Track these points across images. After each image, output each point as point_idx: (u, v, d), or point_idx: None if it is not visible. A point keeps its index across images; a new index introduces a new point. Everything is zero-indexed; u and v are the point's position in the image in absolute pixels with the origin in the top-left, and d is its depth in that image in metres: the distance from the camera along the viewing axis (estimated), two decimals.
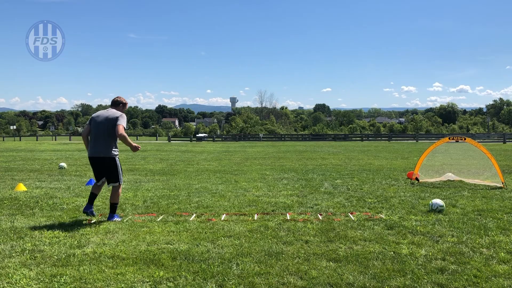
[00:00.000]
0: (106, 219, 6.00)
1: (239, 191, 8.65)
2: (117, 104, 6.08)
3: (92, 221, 5.94)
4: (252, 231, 5.33)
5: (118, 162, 5.92)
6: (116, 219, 5.98)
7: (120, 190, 6.04)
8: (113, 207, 6.04)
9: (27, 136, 76.05)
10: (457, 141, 9.86)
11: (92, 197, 6.05)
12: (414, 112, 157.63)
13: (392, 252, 4.46)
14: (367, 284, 3.61)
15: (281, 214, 6.41)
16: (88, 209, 5.97)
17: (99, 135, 5.80)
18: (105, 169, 5.87)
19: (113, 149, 5.84)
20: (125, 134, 5.73)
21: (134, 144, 5.79)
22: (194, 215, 6.33)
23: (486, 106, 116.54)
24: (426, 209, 6.61)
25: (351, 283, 3.63)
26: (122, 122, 5.75)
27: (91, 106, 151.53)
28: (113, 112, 5.88)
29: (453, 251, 4.47)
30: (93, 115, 6.03)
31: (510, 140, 40.20)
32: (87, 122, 6.03)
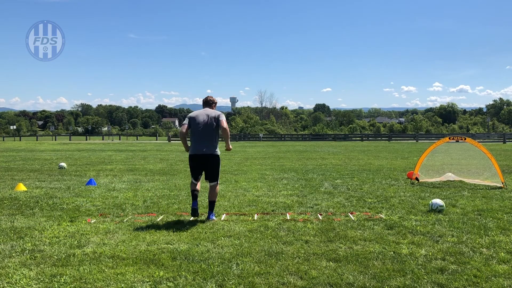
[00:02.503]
0: (206, 218, 6.02)
1: (239, 191, 8.65)
2: (211, 103, 6.20)
3: (92, 221, 5.94)
4: (252, 231, 5.33)
5: (220, 160, 6.03)
6: (213, 218, 5.98)
7: (218, 188, 6.14)
8: (212, 205, 6.09)
9: (27, 136, 76.07)
10: (457, 141, 9.86)
11: (195, 195, 6.02)
12: (414, 112, 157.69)
13: (392, 252, 4.46)
14: (367, 284, 3.61)
15: (281, 214, 6.41)
16: (195, 206, 5.97)
17: (203, 134, 5.87)
18: (208, 167, 5.94)
19: (217, 147, 5.95)
20: (228, 130, 5.92)
21: (231, 145, 6.08)
22: None
23: (486, 106, 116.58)
24: (426, 209, 6.61)
25: (351, 283, 3.63)
26: (225, 119, 5.97)
27: (91, 106, 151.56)
28: (213, 111, 6.01)
29: (453, 251, 4.47)
30: (190, 115, 6.07)
31: (510, 140, 40.22)
32: (185, 121, 6.06)
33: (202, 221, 5.91)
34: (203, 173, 6.07)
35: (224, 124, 5.88)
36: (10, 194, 8.48)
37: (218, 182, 6.13)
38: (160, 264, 4.12)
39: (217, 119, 5.90)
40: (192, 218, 6.06)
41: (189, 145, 6.11)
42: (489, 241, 4.87)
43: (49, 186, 9.63)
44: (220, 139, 6.26)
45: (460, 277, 3.75)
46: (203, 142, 5.88)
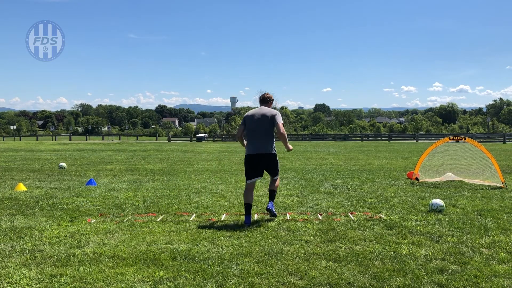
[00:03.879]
0: (266, 208, 6.06)
1: (239, 191, 8.65)
2: (267, 101, 6.13)
3: (92, 221, 5.94)
4: (252, 231, 5.33)
5: (277, 158, 6.05)
6: (272, 208, 5.99)
7: (278, 180, 6.19)
8: (272, 195, 6.09)
9: (27, 136, 76.03)
10: (457, 141, 9.86)
11: (249, 208, 5.89)
12: (414, 112, 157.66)
13: (392, 252, 4.46)
14: (367, 284, 3.61)
15: (281, 214, 6.41)
16: (249, 222, 5.82)
17: (259, 134, 5.83)
18: (266, 166, 5.94)
19: (274, 146, 5.94)
20: (285, 133, 5.86)
21: (290, 145, 6.06)
22: (194, 215, 6.33)
23: (486, 106, 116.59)
24: (426, 209, 6.61)
25: (351, 283, 3.63)
26: (281, 120, 5.90)
27: (91, 106, 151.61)
28: (269, 110, 5.93)
29: (453, 251, 4.47)
30: (247, 115, 6.03)
31: (510, 140, 40.22)
32: (241, 122, 6.02)
33: (202, 221, 5.91)
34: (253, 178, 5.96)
35: (281, 129, 5.76)
36: (10, 194, 8.48)
37: (279, 176, 6.14)
38: (160, 264, 4.12)
39: (273, 119, 5.82)
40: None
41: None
42: (489, 241, 4.87)
43: (49, 186, 9.63)
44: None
45: (460, 277, 3.74)
46: (258, 142, 5.83)
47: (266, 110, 5.93)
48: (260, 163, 5.89)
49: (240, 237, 5.04)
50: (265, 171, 6.06)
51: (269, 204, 6.07)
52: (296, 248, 4.62)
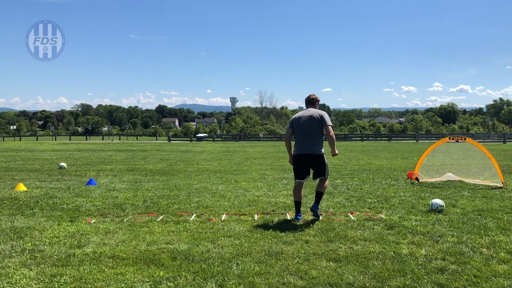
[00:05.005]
0: (310, 208, 6.01)
1: (239, 191, 8.65)
2: (313, 102, 6.13)
3: (92, 221, 5.94)
4: (252, 231, 5.33)
5: (326, 159, 6.00)
6: (316, 210, 5.94)
7: (327, 182, 6.10)
8: (319, 196, 6.03)
9: (27, 136, 76.04)
10: (457, 141, 9.86)
11: (299, 205, 5.98)
12: (414, 112, 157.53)
13: (392, 252, 4.46)
14: (367, 284, 3.61)
15: (281, 214, 6.41)
16: (299, 218, 5.90)
17: (307, 135, 5.82)
18: (314, 166, 5.91)
19: (322, 147, 5.91)
20: (334, 136, 5.86)
21: (337, 150, 6.01)
22: (194, 215, 6.33)
23: (486, 106, 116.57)
24: (426, 209, 6.61)
25: (351, 283, 3.63)
26: (330, 122, 5.89)
27: (91, 106, 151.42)
28: (317, 111, 5.93)
29: (453, 251, 4.47)
30: (294, 117, 6.04)
31: (510, 140, 40.20)
32: (289, 125, 6.03)
33: (202, 222, 5.91)
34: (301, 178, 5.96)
35: (330, 131, 5.79)
36: (10, 194, 8.48)
37: (327, 177, 6.06)
38: (160, 264, 4.12)
39: (321, 120, 5.81)
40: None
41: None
42: (489, 241, 4.87)
43: (49, 186, 9.63)
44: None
45: (460, 277, 3.74)
46: (307, 143, 5.82)
47: (313, 111, 5.93)
48: (308, 163, 5.89)
49: (240, 237, 5.04)
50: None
51: (314, 205, 6.00)
52: (296, 248, 4.62)
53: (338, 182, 10.03)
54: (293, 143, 6.10)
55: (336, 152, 6.00)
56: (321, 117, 5.82)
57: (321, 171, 5.95)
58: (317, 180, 6.11)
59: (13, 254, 4.45)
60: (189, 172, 12.60)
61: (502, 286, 3.58)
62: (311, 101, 6.13)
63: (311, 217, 6.12)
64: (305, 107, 6.20)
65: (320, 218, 5.99)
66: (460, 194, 8.14)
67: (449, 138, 9.81)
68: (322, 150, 5.92)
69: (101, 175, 11.99)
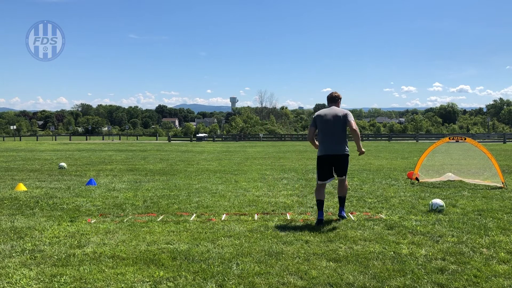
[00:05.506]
0: (337, 215, 5.98)
1: (239, 191, 8.65)
2: (336, 100, 6.08)
3: (92, 221, 5.94)
4: (252, 231, 5.33)
5: (349, 159, 5.97)
6: (344, 215, 5.92)
7: (347, 182, 6.07)
8: (342, 201, 6.02)
9: (27, 136, 76.04)
10: (457, 141, 9.85)
11: (322, 204, 5.89)
12: (414, 112, 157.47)
13: (392, 252, 4.46)
14: (367, 284, 3.61)
15: (281, 214, 6.41)
16: (321, 216, 5.79)
17: (332, 134, 5.79)
18: (337, 166, 5.87)
19: (347, 146, 5.88)
20: (358, 131, 5.83)
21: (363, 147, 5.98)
22: (194, 215, 6.33)
23: (486, 106, 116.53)
24: (426, 209, 6.61)
25: (351, 283, 3.63)
26: (353, 119, 5.86)
27: (91, 106, 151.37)
28: (340, 110, 5.90)
29: (453, 251, 4.47)
30: (317, 115, 5.97)
31: (510, 140, 40.21)
32: (312, 123, 5.99)
33: (202, 222, 5.91)
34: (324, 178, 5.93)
35: (354, 125, 5.72)
36: (10, 194, 8.48)
37: (347, 177, 6.03)
38: (160, 264, 4.12)
39: (345, 119, 5.77)
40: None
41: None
42: (489, 241, 4.87)
43: (49, 186, 9.63)
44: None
45: (460, 277, 3.74)
46: (332, 143, 5.79)
47: (337, 109, 5.90)
48: (333, 164, 5.86)
49: (240, 237, 5.04)
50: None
51: (340, 210, 5.97)
52: (296, 248, 4.62)
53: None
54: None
55: (362, 150, 5.96)
56: (345, 115, 5.79)
57: (343, 171, 5.91)
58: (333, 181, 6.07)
59: (13, 254, 4.45)
60: (189, 172, 12.60)
61: (502, 286, 3.58)
62: (333, 99, 6.08)
63: (311, 217, 6.13)
64: (327, 105, 6.12)
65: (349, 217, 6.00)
66: (460, 194, 8.14)
67: (449, 138, 9.81)
68: (347, 149, 5.89)
69: (101, 175, 11.99)
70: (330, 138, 5.79)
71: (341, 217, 5.94)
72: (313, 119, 6.01)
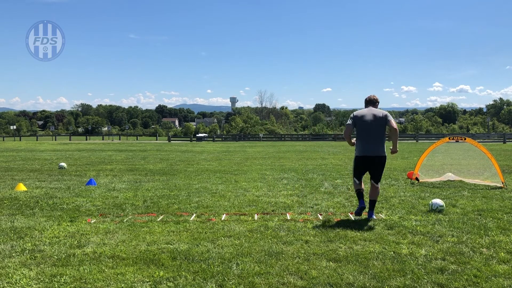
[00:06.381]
0: (366, 216, 5.93)
1: (239, 191, 8.65)
2: (374, 102, 6.12)
3: (92, 221, 5.94)
4: (252, 231, 5.33)
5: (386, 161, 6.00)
6: (373, 217, 5.91)
7: (379, 188, 6.05)
8: (373, 204, 6.01)
9: (27, 136, 76.02)
10: (457, 141, 9.86)
11: (361, 193, 6.01)
12: (414, 112, 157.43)
13: (392, 252, 4.46)
14: (367, 284, 3.61)
15: (281, 214, 6.41)
16: (363, 204, 5.92)
17: (371, 134, 5.82)
18: (374, 168, 5.90)
19: (384, 148, 5.91)
20: (397, 129, 5.87)
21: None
22: (194, 215, 6.33)
23: (486, 106, 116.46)
24: (426, 209, 6.61)
25: (351, 283, 3.63)
26: (394, 120, 5.87)
27: (91, 106, 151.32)
28: (379, 110, 5.94)
29: (453, 251, 4.47)
30: (356, 115, 5.99)
31: (510, 140, 40.20)
32: (349, 122, 6.00)
33: (202, 222, 5.91)
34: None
35: (395, 125, 5.80)
36: (10, 194, 8.48)
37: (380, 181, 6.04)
38: (160, 264, 4.12)
39: (385, 119, 5.81)
40: (355, 217, 5.98)
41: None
42: (489, 241, 4.87)
43: (49, 186, 9.64)
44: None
45: (460, 277, 3.75)
46: (371, 143, 5.81)
47: (376, 110, 5.94)
48: (369, 166, 5.91)
49: (240, 237, 5.04)
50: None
51: (369, 213, 5.95)
52: (296, 248, 4.62)
53: (338, 182, 10.03)
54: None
55: (397, 149, 6.00)
56: (385, 116, 5.83)
57: (379, 175, 5.94)
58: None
59: (13, 254, 4.45)
60: (189, 172, 12.60)
61: (502, 286, 3.58)
62: (371, 102, 6.11)
63: (311, 217, 6.13)
64: (365, 107, 6.13)
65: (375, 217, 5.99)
66: (460, 194, 8.14)
67: (449, 138, 9.81)
68: (385, 152, 5.91)
69: (101, 175, 11.99)
70: (370, 139, 5.82)
71: (370, 219, 5.88)
72: (351, 118, 6.03)
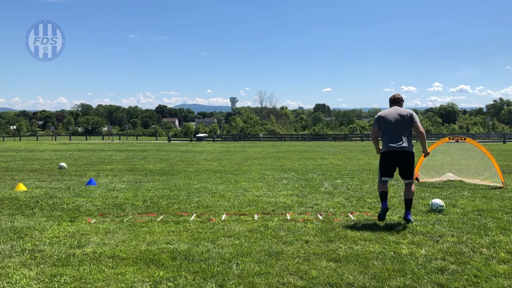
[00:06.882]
0: (403, 218, 5.76)
1: (239, 191, 8.65)
2: (399, 101, 6.08)
3: (92, 221, 5.94)
4: (252, 231, 5.33)
5: (414, 158, 5.90)
6: (410, 218, 5.75)
7: (414, 186, 5.97)
8: (409, 204, 5.82)
9: (27, 136, 76.02)
10: (457, 141, 9.85)
11: (386, 195, 5.93)
12: (414, 112, 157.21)
13: (392, 252, 4.46)
14: (367, 284, 3.61)
15: (281, 214, 6.41)
16: (386, 205, 5.81)
17: (399, 133, 5.75)
18: (402, 164, 5.82)
19: (412, 145, 5.84)
20: (424, 133, 5.84)
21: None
22: (194, 215, 6.33)
23: (486, 106, 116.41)
24: (426, 209, 6.61)
25: (351, 283, 3.63)
26: (419, 120, 5.84)
27: (91, 106, 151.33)
28: (405, 110, 5.89)
29: (453, 251, 4.47)
30: (381, 115, 5.97)
31: (510, 140, 40.20)
32: (375, 123, 5.98)
33: (202, 222, 5.91)
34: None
35: (421, 127, 5.75)
36: (10, 194, 8.48)
37: (413, 180, 5.93)
38: (160, 264, 4.12)
39: (410, 118, 5.74)
40: (382, 221, 5.76)
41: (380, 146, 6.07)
42: (489, 241, 4.87)
43: (49, 186, 9.63)
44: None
45: (460, 277, 3.74)
46: (397, 140, 5.74)
47: (402, 110, 5.89)
48: (397, 161, 5.80)
49: (240, 237, 5.04)
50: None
51: (406, 213, 5.77)
52: (296, 248, 4.62)
53: (338, 182, 10.03)
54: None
55: (428, 151, 5.94)
56: (411, 115, 5.78)
57: (409, 172, 5.83)
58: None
59: (13, 254, 4.45)
60: (189, 172, 12.60)
61: (502, 286, 3.58)
62: (396, 101, 6.07)
63: (311, 217, 6.13)
64: (390, 106, 6.09)
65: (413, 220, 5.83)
66: (460, 194, 8.14)
67: (449, 138, 9.81)
68: (413, 148, 5.83)
69: (101, 175, 11.99)
70: (395, 137, 5.74)
71: (407, 220, 5.69)
72: (376, 119, 6.01)
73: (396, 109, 5.92)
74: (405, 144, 5.71)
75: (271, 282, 3.67)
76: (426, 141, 5.97)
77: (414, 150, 5.80)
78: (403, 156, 5.73)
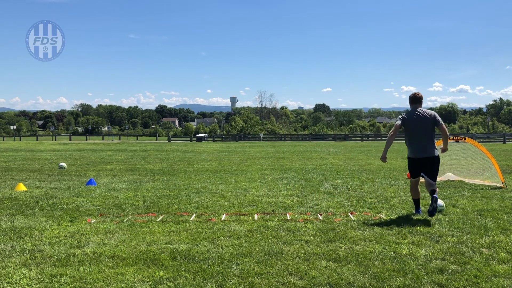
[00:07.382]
0: (427, 211, 5.79)
1: (239, 191, 8.65)
2: (420, 100, 6.15)
3: (92, 221, 5.94)
4: (252, 231, 5.33)
5: (439, 160, 6.03)
6: (436, 196, 5.75)
7: (436, 184, 6.06)
8: (433, 192, 5.77)
9: (27, 136, 76.02)
10: (457, 141, 9.85)
11: (418, 202, 6.26)
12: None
13: (392, 252, 4.46)
14: (367, 284, 3.61)
15: (281, 214, 6.41)
16: (419, 211, 6.19)
17: (423, 137, 5.88)
18: (428, 168, 5.93)
19: (436, 147, 5.96)
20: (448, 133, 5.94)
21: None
22: (194, 215, 6.33)
23: (486, 106, 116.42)
24: (426, 209, 6.60)
25: (351, 283, 3.63)
26: (442, 121, 5.95)
27: (91, 106, 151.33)
28: (429, 112, 5.98)
29: (453, 251, 4.47)
30: (405, 116, 6.06)
31: (510, 140, 40.20)
32: (398, 121, 6.05)
33: (202, 222, 5.91)
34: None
35: (444, 127, 5.89)
36: (10, 194, 8.48)
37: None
38: (160, 264, 4.12)
39: (434, 120, 5.87)
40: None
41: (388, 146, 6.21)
42: (489, 241, 4.87)
43: (49, 186, 9.63)
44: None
45: (460, 277, 3.74)
46: (422, 144, 5.87)
47: (425, 111, 5.99)
48: (424, 166, 5.96)
49: (240, 237, 5.04)
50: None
51: (433, 201, 5.62)
52: (296, 248, 4.62)
53: (338, 182, 10.03)
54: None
55: (447, 148, 6.04)
56: (435, 117, 5.90)
57: (434, 175, 5.95)
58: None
59: (13, 254, 4.45)
60: (189, 172, 12.60)
61: (502, 286, 3.58)
62: (417, 100, 6.12)
63: (311, 217, 6.13)
64: (411, 105, 6.15)
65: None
66: (460, 194, 8.14)
67: (449, 138, 9.81)
68: (437, 151, 5.96)
69: (101, 175, 11.99)
70: (422, 141, 5.89)
71: (434, 201, 5.58)
72: (400, 118, 6.08)
73: (419, 110, 6.02)
74: (430, 150, 5.89)
75: (271, 282, 3.67)
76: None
77: (438, 153, 5.98)
78: (429, 162, 5.93)
